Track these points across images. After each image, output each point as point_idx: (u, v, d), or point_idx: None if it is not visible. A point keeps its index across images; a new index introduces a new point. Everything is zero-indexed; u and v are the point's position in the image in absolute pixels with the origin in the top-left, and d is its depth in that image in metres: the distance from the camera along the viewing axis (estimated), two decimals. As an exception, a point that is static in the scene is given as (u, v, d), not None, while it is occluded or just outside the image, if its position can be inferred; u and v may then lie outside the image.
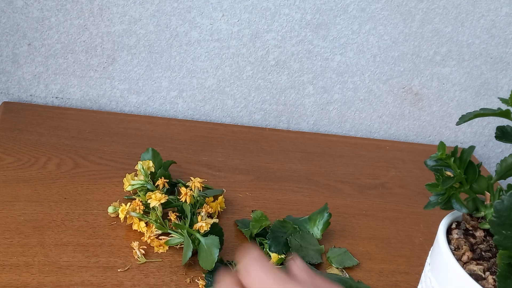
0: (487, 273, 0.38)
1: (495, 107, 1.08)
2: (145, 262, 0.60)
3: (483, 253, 0.40)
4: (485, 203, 0.43)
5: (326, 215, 0.67)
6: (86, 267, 0.57)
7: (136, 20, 0.82)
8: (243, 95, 0.91)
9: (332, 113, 0.96)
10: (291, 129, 0.96)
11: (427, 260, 0.45)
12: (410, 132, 1.01)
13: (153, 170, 0.68)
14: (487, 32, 0.92)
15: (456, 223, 0.44)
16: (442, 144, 0.41)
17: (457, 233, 0.42)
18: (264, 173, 0.80)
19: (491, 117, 0.99)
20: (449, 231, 0.43)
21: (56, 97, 0.86)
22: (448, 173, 0.42)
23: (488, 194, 0.43)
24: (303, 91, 0.93)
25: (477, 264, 0.39)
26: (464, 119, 0.43)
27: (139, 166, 0.67)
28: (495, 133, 0.45)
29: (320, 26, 0.87)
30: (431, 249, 0.46)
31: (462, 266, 0.39)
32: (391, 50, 0.91)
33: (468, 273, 0.38)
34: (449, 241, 0.42)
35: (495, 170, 0.45)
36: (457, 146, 0.43)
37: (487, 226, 0.42)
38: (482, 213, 0.43)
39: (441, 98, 0.98)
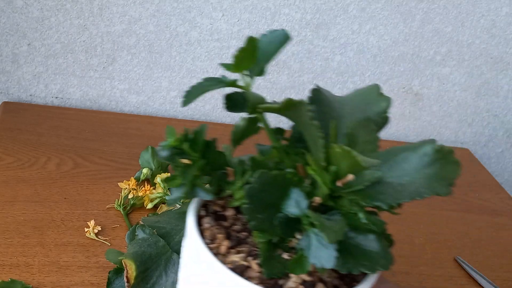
0: (249, 258, 0.34)
1: (495, 107, 1.08)
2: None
3: (239, 235, 0.36)
4: (229, 179, 0.39)
5: (325, 215, 0.67)
6: (86, 267, 0.57)
7: (136, 20, 0.82)
8: (243, 95, 0.91)
9: (332, 113, 0.96)
10: (291, 129, 0.96)
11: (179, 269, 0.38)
12: (410, 132, 1.01)
13: None
14: (487, 32, 0.92)
15: (203, 208, 0.39)
16: (170, 129, 0.36)
17: (207, 222, 0.37)
18: (264, 173, 0.80)
19: (492, 117, 0.99)
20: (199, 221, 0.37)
21: (56, 97, 0.86)
22: (185, 160, 0.37)
23: (230, 169, 0.39)
24: (303, 91, 0.93)
25: (238, 252, 0.34)
26: (190, 96, 0.37)
27: (158, 180, 0.67)
28: (224, 103, 0.39)
29: (320, 26, 0.87)
30: (181, 254, 0.38)
31: (223, 260, 0.33)
32: (391, 50, 0.91)
33: (232, 268, 0.33)
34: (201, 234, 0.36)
35: (231, 138, 0.40)
36: (188, 129, 0.38)
37: (236, 203, 0.38)
38: (229, 192, 0.39)
39: (441, 98, 0.98)
